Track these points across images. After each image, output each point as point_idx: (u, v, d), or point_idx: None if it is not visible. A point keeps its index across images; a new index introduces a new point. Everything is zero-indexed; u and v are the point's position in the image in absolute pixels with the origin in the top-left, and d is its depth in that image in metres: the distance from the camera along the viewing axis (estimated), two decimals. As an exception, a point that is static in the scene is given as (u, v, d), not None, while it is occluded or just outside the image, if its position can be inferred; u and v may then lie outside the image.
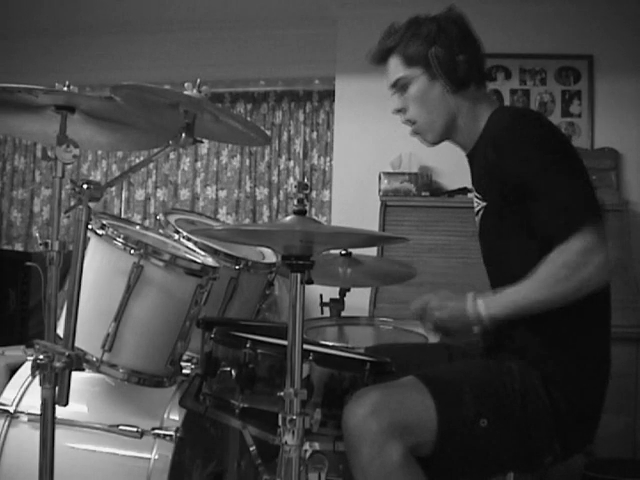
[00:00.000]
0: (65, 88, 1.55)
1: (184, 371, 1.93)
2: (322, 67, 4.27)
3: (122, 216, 4.55)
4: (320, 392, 1.45)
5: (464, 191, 3.63)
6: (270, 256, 2.23)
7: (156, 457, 1.80)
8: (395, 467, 1.35)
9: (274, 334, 1.66)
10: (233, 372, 1.48)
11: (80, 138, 1.59)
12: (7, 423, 1.90)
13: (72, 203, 1.57)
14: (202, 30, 4.42)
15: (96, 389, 1.96)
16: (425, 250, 3.45)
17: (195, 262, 1.84)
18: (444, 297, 1.54)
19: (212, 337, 1.60)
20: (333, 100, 4.26)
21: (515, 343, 1.55)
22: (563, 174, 1.45)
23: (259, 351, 1.49)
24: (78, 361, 1.48)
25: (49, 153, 1.55)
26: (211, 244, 2.01)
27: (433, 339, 2.15)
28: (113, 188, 4.73)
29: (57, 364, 1.47)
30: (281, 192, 4.63)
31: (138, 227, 2.10)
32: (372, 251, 3.28)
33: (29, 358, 1.56)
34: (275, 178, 4.64)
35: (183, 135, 1.60)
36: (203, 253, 1.97)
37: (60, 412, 1.57)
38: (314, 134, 4.61)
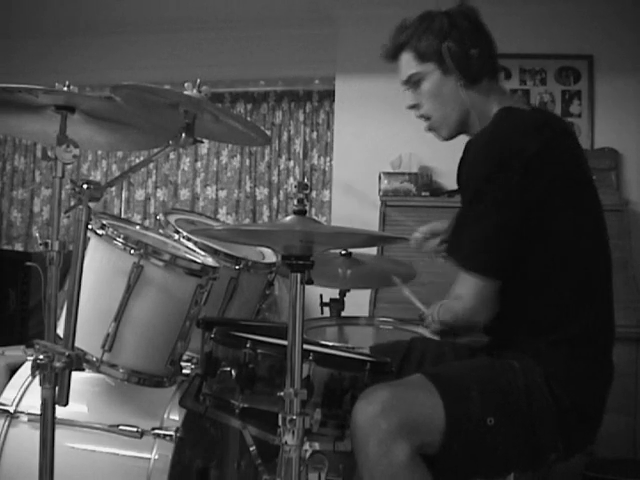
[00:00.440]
0: (65, 88, 1.55)
1: (184, 371, 1.93)
2: (322, 67, 4.27)
3: (122, 216, 4.55)
4: (320, 392, 1.45)
5: (464, 191, 3.63)
6: (270, 256, 2.23)
7: (156, 457, 1.80)
8: (402, 467, 1.35)
9: (274, 334, 1.65)
10: (233, 372, 1.48)
11: (80, 138, 1.59)
12: (7, 423, 1.90)
13: (72, 203, 1.57)
14: (202, 30, 4.42)
15: (96, 389, 1.96)
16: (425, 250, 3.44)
17: (195, 262, 1.84)
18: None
19: (212, 337, 1.59)
20: (333, 100, 4.26)
21: (518, 341, 1.55)
22: (484, 217, 1.51)
23: (259, 351, 1.49)
24: (78, 361, 1.48)
25: (49, 153, 1.55)
26: (211, 244, 2.01)
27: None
28: (113, 188, 4.73)
29: (57, 364, 1.47)
30: (281, 192, 4.63)
31: (138, 227, 2.10)
32: (372, 251, 3.28)
33: (29, 358, 1.56)
34: (275, 178, 4.64)
35: (183, 135, 1.60)
36: (203, 253, 1.97)
37: (60, 412, 1.57)
38: (314, 134, 4.61)
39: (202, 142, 1.70)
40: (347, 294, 2.55)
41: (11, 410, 1.92)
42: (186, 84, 1.57)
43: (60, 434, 1.59)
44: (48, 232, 1.58)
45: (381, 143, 3.91)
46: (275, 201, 4.63)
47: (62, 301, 1.56)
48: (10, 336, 3.78)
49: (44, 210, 4.85)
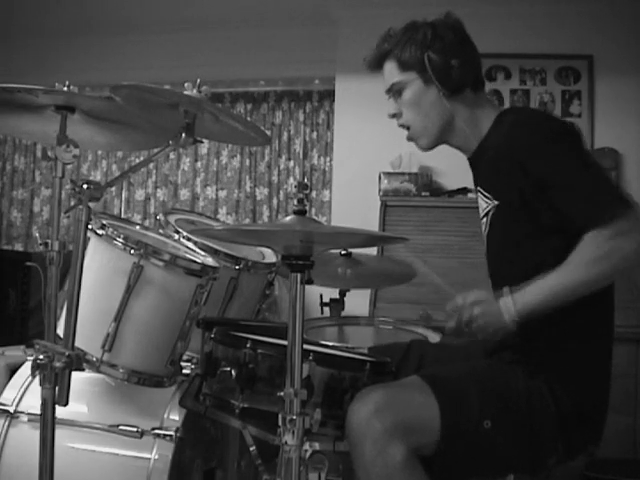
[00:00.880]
0: (65, 88, 1.55)
1: (184, 371, 1.93)
2: (322, 67, 4.27)
3: (122, 216, 4.55)
4: (320, 392, 1.45)
5: (464, 191, 3.63)
6: (270, 256, 2.23)
7: (156, 457, 1.80)
8: (398, 468, 1.35)
9: (274, 334, 1.65)
10: (233, 372, 1.49)
11: (80, 138, 1.59)
12: (7, 423, 1.90)
13: (72, 203, 1.57)
14: (202, 30, 4.42)
15: (96, 389, 1.96)
16: (425, 250, 3.44)
17: (195, 262, 1.84)
18: (480, 295, 1.49)
19: (212, 337, 1.59)
20: (333, 100, 4.26)
21: (519, 343, 1.54)
22: (586, 167, 1.46)
23: (259, 351, 1.49)
24: (78, 361, 1.48)
25: (49, 153, 1.55)
26: (211, 244, 2.01)
27: (433, 339, 2.15)
28: (113, 188, 4.73)
29: (57, 364, 1.47)
30: (281, 192, 4.63)
31: (138, 227, 2.10)
32: (372, 251, 3.28)
33: (29, 358, 1.55)
34: (275, 178, 4.64)
35: (183, 135, 1.60)
36: (203, 253, 1.97)
37: (60, 412, 1.57)
38: (314, 134, 4.61)
39: (202, 142, 1.70)
40: (347, 294, 2.55)
41: (11, 410, 1.92)
42: (186, 84, 1.57)
43: (60, 434, 1.59)
44: (48, 232, 1.58)
45: (381, 143, 3.90)
46: (275, 201, 4.63)
47: (62, 301, 1.56)
48: (10, 336, 3.78)
49: (44, 210, 4.86)
